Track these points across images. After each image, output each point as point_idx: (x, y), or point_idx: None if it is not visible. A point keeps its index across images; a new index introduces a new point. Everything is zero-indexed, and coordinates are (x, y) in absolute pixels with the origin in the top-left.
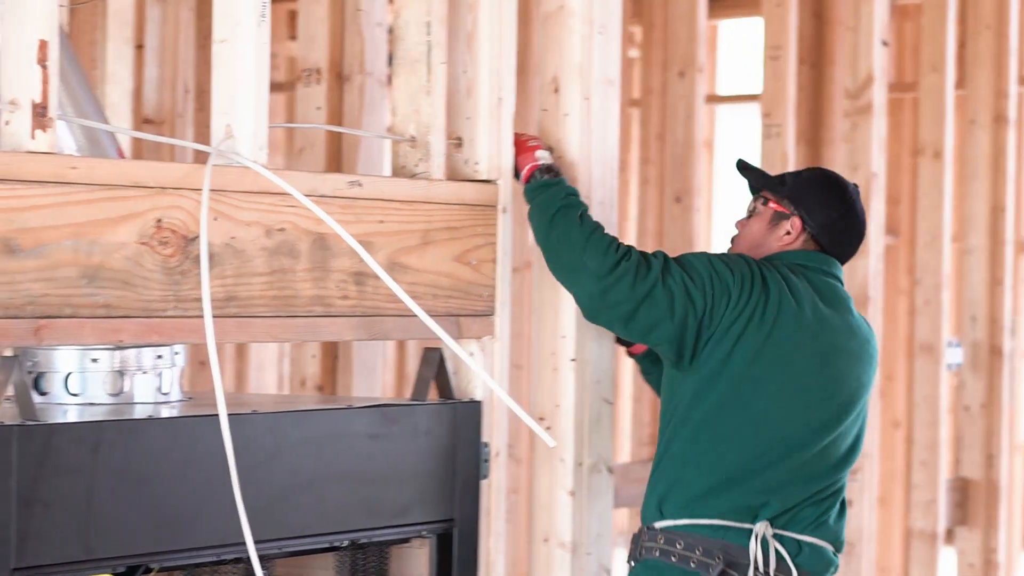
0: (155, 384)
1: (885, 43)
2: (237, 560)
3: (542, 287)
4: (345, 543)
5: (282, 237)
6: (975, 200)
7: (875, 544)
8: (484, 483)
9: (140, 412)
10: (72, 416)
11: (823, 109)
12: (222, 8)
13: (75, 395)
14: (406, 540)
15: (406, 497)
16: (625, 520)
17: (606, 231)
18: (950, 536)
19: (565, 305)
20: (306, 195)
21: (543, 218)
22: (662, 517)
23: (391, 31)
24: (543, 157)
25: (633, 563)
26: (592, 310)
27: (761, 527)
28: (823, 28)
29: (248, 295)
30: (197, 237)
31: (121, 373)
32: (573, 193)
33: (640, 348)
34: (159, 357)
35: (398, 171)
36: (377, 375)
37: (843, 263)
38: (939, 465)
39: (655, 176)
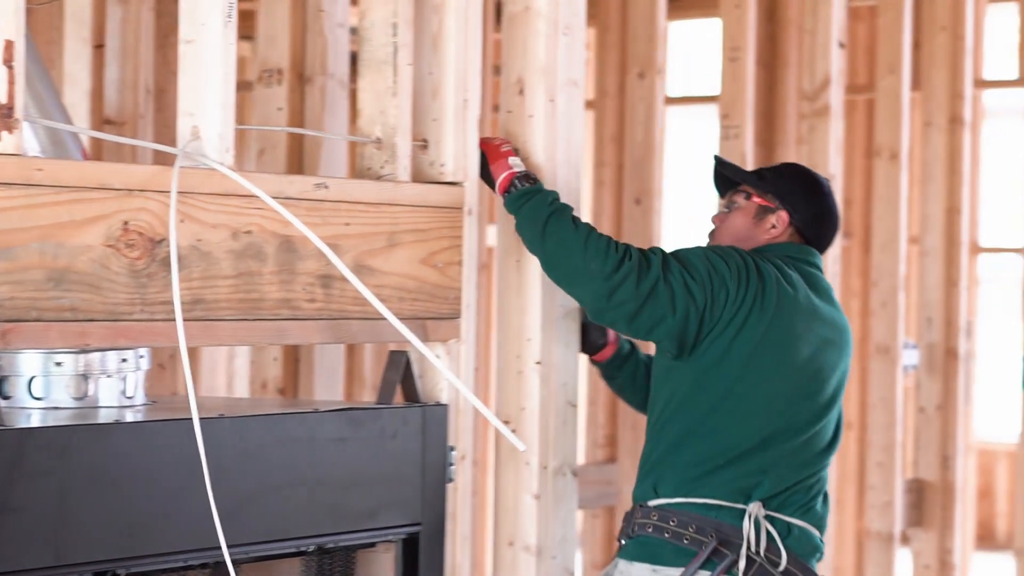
0: (119, 388)
1: (842, 45)
2: (204, 565)
3: (506, 290)
4: (312, 548)
5: (249, 240)
6: (931, 202)
7: (832, 546)
8: (450, 487)
9: (109, 416)
10: (36, 420)
11: (776, 111)
12: (188, 8)
13: (39, 399)
14: (372, 545)
15: (373, 501)
16: (578, 522)
17: (600, 232)
18: (904, 537)
19: (530, 308)
20: (273, 197)
21: (535, 227)
22: (656, 496)
23: (355, 32)
24: (517, 164)
25: (624, 541)
26: (598, 311)
27: (754, 507)
28: (776, 29)
29: (215, 298)
30: (164, 239)
31: (85, 377)
32: (556, 197)
33: (605, 355)
34: (124, 361)
35: (363, 173)
36: (338, 378)
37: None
38: (895, 467)
39: (610, 179)
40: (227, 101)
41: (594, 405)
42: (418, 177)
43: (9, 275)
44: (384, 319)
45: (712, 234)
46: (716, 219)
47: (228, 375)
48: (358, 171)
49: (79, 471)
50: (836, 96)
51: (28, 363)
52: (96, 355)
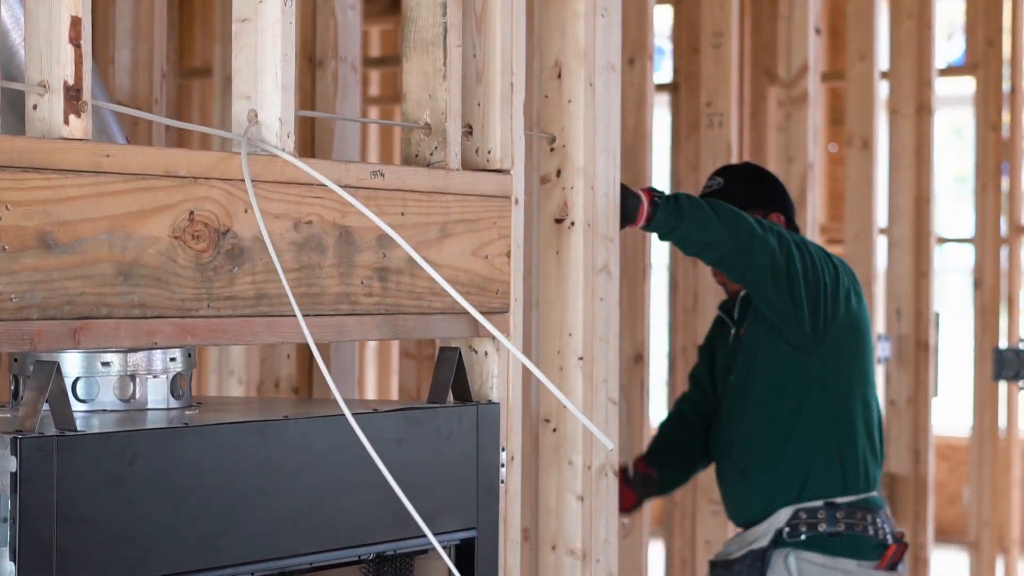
0: (166, 388)
1: (818, 31)
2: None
3: (546, 283)
4: (371, 555)
5: (309, 231)
6: (900, 192)
7: None
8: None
9: (162, 419)
10: (83, 423)
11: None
12: None
13: (84, 401)
14: (425, 551)
15: (431, 505)
16: None
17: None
18: None
19: (572, 302)
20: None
21: (706, 221)
22: (846, 493)
23: (403, 13)
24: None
25: (804, 537)
26: (775, 275)
27: (876, 493)
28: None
29: (278, 292)
30: (228, 230)
31: (133, 377)
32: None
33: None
34: (172, 360)
35: (411, 160)
36: (353, 376)
37: None
38: None
39: None
40: (287, 84)
41: None
42: (463, 164)
43: (79, 269)
44: (436, 314)
45: None
46: None
47: (220, 373)
48: (405, 157)
49: (152, 478)
50: (813, 83)
51: (71, 363)
52: (143, 354)
